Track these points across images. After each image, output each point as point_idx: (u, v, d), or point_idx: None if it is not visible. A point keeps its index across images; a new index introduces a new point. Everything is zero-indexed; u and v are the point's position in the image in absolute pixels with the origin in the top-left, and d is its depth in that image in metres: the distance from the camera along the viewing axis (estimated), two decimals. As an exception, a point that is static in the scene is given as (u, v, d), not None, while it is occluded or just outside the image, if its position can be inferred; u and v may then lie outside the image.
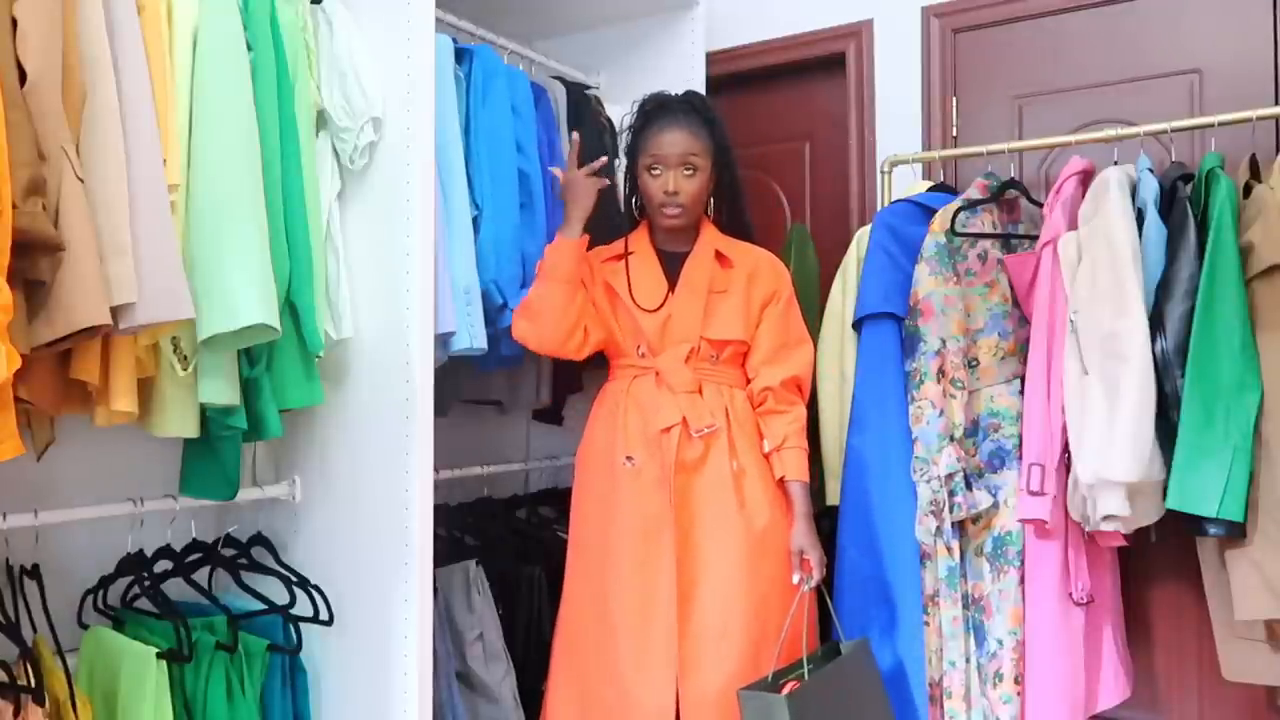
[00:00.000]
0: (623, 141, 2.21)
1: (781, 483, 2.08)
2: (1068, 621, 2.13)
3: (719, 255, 2.12)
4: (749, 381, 2.14)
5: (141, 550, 1.82)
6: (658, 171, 2.06)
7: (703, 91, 2.71)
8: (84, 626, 1.77)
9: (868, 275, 2.34)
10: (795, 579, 2.02)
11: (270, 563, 1.95)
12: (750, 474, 2.04)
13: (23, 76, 1.32)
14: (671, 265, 2.12)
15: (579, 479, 2.18)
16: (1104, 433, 1.97)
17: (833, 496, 2.40)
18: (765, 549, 2.02)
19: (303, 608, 1.89)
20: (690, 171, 2.06)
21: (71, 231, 1.32)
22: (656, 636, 1.97)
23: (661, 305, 2.05)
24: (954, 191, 2.52)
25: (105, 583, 1.81)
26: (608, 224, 2.30)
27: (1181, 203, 2.05)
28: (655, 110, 2.13)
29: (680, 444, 2.01)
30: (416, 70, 1.88)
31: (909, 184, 2.64)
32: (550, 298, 2.02)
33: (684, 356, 2.06)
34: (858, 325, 2.37)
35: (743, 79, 3.12)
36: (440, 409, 2.09)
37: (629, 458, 2.05)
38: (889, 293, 2.30)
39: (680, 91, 2.20)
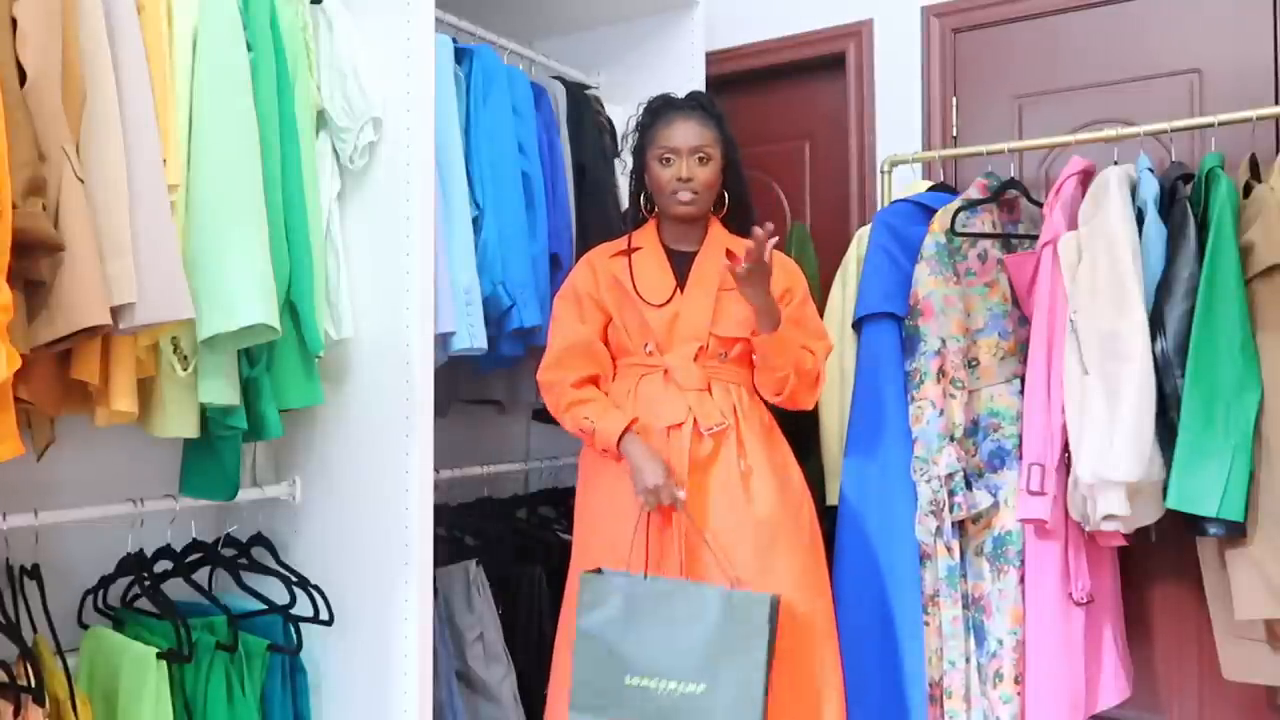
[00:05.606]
0: (629, 143, 2.20)
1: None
2: (1068, 621, 2.13)
3: (729, 253, 2.11)
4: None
5: (141, 550, 1.82)
6: (670, 160, 2.06)
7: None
8: (84, 626, 1.77)
9: (868, 275, 2.34)
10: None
11: (270, 563, 1.94)
12: (758, 472, 2.03)
13: (23, 77, 1.32)
14: (680, 264, 2.10)
15: (584, 477, 2.16)
16: (1104, 432, 1.97)
17: (832, 496, 2.40)
18: (774, 545, 2.01)
19: (303, 608, 1.89)
20: (703, 159, 2.06)
21: (71, 231, 1.32)
22: None
23: (669, 301, 2.03)
24: (954, 191, 2.52)
25: (105, 583, 1.81)
26: (607, 233, 2.31)
27: (1181, 203, 2.05)
28: (663, 107, 2.12)
29: (691, 442, 2.01)
30: (416, 70, 1.88)
31: (909, 184, 2.64)
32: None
33: (693, 354, 2.05)
34: (858, 325, 2.37)
35: (743, 79, 3.12)
36: (440, 409, 2.09)
37: None
38: (889, 292, 2.30)
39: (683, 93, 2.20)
